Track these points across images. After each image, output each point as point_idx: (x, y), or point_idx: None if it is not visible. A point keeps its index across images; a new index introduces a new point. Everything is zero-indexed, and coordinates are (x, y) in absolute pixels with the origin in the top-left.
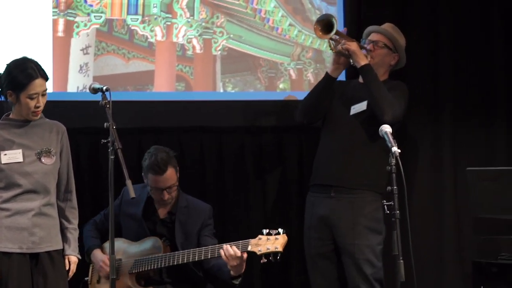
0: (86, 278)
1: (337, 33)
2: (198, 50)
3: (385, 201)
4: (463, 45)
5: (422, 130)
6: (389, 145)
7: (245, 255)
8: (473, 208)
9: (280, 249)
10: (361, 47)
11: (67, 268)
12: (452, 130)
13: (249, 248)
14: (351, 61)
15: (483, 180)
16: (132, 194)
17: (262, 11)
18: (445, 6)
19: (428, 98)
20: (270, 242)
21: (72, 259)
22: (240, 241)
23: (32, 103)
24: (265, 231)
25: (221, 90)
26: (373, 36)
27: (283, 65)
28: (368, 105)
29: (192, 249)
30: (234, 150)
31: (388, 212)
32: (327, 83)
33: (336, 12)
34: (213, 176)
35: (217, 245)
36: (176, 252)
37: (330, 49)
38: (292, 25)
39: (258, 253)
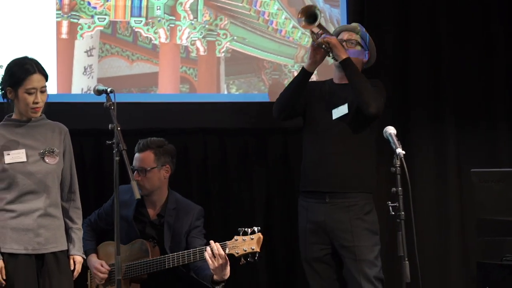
0: (87, 283)
1: (320, 26)
2: (202, 52)
3: (390, 202)
4: (464, 47)
5: (426, 131)
6: (394, 146)
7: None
8: (477, 209)
9: (256, 249)
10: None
11: (72, 268)
12: (456, 131)
13: (227, 251)
14: (331, 55)
15: (487, 182)
16: (137, 195)
17: (266, 13)
18: (445, 8)
19: (431, 99)
20: (246, 243)
21: (77, 259)
22: (219, 243)
23: (30, 99)
24: (241, 230)
25: (225, 92)
26: (344, 35)
27: (287, 67)
28: (349, 107)
29: (179, 253)
30: (238, 152)
31: (393, 213)
32: (303, 78)
33: (340, 14)
34: (216, 178)
35: (203, 247)
36: (165, 256)
37: (312, 41)
38: (295, 27)
39: (236, 255)
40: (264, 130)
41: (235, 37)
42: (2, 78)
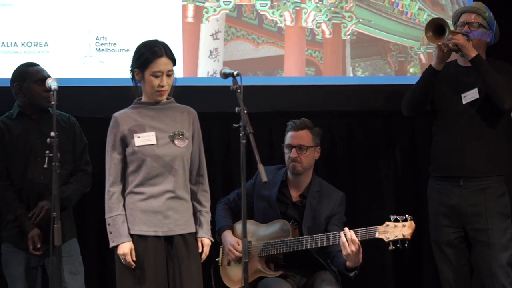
0: (217, 259)
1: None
2: (327, 34)
3: None
4: None
5: None
6: None
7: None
8: None
9: (408, 236)
10: (463, 34)
11: (200, 250)
12: None
13: (377, 235)
14: (459, 53)
15: None
16: (264, 178)
17: None
18: None
19: None
20: (398, 229)
21: (205, 242)
22: (368, 228)
23: (156, 82)
24: (392, 217)
25: (351, 75)
26: (466, 17)
27: (413, 49)
28: (480, 92)
29: (313, 236)
30: (365, 135)
31: None
32: (431, 77)
33: None
34: (343, 160)
35: (337, 232)
36: (303, 237)
37: (442, 49)
38: (421, 9)
39: (386, 240)
40: (391, 112)
41: (360, 20)
42: (132, 60)
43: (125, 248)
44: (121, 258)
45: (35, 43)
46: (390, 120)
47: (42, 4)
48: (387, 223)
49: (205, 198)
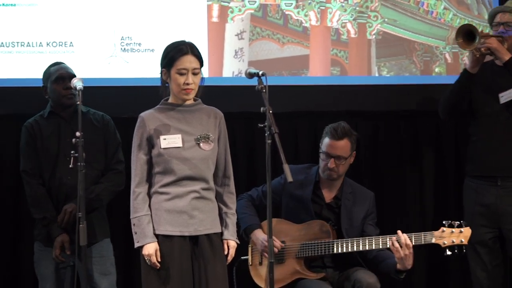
0: (243, 257)
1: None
2: (352, 34)
3: None
4: None
5: None
6: None
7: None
8: None
9: (465, 242)
10: (497, 37)
11: (225, 252)
12: None
13: (433, 240)
14: (493, 57)
15: None
16: (290, 178)
17: None
18: None
19: None
20: (455, 235)
21: (231, 244)
22: (422, 233)
23: (181, 79)
24: (446, 222)
25: (376, 75)
26: (501, 17)
27: (439, 49)
28: None
29: (359, 238)
30: (390, 135)
31: None
32: (468, 81)
33: None
34: (368, 161)
35: (386, 236)
36: (349, 239)
37: (474, 55)
38: (447, 9)
39: (443, 245)
40: (416, 112)
41: (386, 19)
42: (160, 61)
43: (150, 249)
44: (146, 258)
45: (61, 43)
46: (415, 120)
47: (67, 4)
48: (443, 228)
49: (231, 200)
